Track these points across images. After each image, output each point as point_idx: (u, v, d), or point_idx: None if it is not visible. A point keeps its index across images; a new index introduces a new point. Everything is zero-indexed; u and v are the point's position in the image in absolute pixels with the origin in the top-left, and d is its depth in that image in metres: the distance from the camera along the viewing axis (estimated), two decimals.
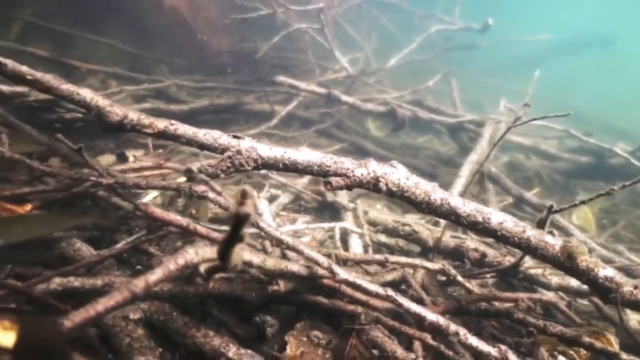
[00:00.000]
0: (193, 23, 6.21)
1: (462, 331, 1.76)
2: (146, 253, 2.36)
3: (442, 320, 1.79)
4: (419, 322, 1.85)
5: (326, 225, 3.23)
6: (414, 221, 3.16)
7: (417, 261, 2.53)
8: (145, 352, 1.76)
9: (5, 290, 1.81)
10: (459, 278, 2.50)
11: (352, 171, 2.01)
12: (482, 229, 1.98)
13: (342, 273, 1.88)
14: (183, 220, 1.93)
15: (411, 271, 2.61)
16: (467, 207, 1.98)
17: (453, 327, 1.78)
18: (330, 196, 3.96)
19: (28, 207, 2.49)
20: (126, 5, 6.94)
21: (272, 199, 3.67)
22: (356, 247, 2.93)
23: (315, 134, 6.07)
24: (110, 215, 2.48)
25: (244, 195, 1.05)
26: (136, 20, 6.93)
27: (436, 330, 1.80)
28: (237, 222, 1.07)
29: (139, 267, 2.30)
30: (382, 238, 2.96)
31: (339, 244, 3.05)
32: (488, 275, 2.72)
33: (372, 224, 3.22)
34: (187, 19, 6.18)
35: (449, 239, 2.85)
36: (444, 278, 2.85)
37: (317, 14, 6.37)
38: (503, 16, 6.34)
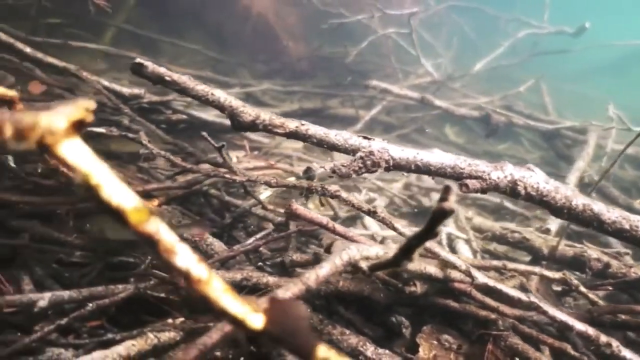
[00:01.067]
0: (278, 29, 6.35)
1: (615, 343, 1.69)
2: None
3: (591, 331, 1.73)
4: (563, 331, 1.79)
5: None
6: (522, 228, 3.07)
7: (537, 269, 2.45)
8: None
9: (156, 280, 1.91)
10: (582, 288, 2.40)
11: (488, 174, 1.98)
12: (628, 237, 1.89)
13: (480, 277, 1.85)
14: (323, 219, 1.97)
15: (524, 279, 2.54)
16: (611, 213, 1.91)
17: (604, 338, 1.71)
18: (425, 201, 3.92)
19: (155, 202, 2.61)
20: (207, 12, 7.20)
21: (369, 202, 3.68)
22: (465, 254, 2.88)
23: (398, 139, 6.05)
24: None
25: (446, 191, 1.05)
26: (216, 27, 7.18)
27: (585, 341, 1.74)
28: (437, 218, 1.08)
29: (260, 263, 2.35)
30: (494, 245, 2.89)
31: (446, 249, 3.01)
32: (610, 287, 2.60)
33: (478, 230, 3.15)
34: (273, 26, 6.32)
35: (566, 247, 2.75)
36: (559, 288, 2.75)
37: (398, 20, 6.35)
38: (591, 19, 6.08)
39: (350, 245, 1.47)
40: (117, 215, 0.84)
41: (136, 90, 3.38)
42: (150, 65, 2.30)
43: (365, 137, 2.13)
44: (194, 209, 2.86)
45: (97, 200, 0.84)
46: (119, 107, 2.85)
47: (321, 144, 2.18)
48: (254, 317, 0.88)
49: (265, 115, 2.23)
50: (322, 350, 0.87)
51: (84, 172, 0.83)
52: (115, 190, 0.84)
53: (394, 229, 1.93)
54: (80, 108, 0.82)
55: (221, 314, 0.89)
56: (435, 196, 4.07)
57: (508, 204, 3.94)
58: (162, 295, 1.90)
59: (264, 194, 2.88)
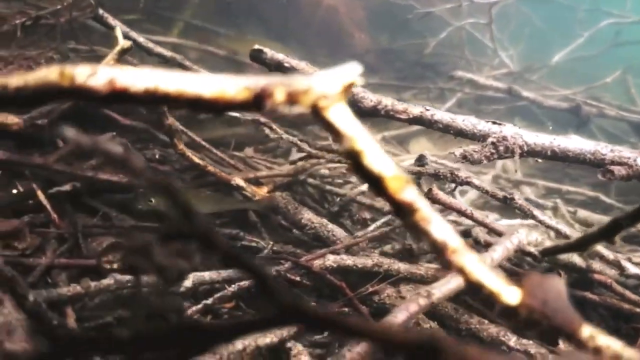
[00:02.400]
0: (347, 22, 6.32)
1: None
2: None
3: None
4: None
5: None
6: None
7: None
8: None
9: (290, 263, 1.91)
10: None
11: (634, 160, 1.88)
12: None
13: (631, 268, 1.76)
14: (462, 205, 1.92)
15: None
16: None
17: None
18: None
19: (265, 189, 2.62)
20: (271, 5, 7.25)
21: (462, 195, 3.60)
22: None
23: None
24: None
25: None
26: (278, 20, 7.22)
27: None
28: None
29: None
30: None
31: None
32: None
33: (584, 223, 3.03)
34: (342, 18, 6.30)
35: None
36: None
37: (468, 10, 6.21)
38: None
39: (519, 229, 1.42)
40: (375, 182, 0.82)
41: None
42: (268, 51, 2.30)
43: (494, 123, 2.07)
44: (297, 198, 2.87)
45: (358, 166, 0.82)
46: None
47: (447, 129, 2.13)
48: (510, 291, 0.85)
49: (387, 101, 2.20)
50: (587, 329, 0.83)
51: (350, 137, 0.81)
52: (377, 157, 0.81)
53: (534, 216, 1.85)
54: (352, 72, 0.80)
55: (476, 286, 0.85)
56: (526, 189, 3.95)
57: (604, 197, 3.77)
58: (297, 278, 1.90)
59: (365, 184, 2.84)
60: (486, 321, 1.84)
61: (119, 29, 1.87)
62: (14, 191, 2.37)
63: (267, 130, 2.20)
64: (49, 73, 0.87)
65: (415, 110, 2.16)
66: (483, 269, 0.85)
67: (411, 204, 0.83)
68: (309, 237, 2.27)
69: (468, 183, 1.98)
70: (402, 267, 1.94)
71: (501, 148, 1.99)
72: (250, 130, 3.65)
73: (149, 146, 2.81)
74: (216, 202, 2.28)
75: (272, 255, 2.00)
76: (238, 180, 2.20)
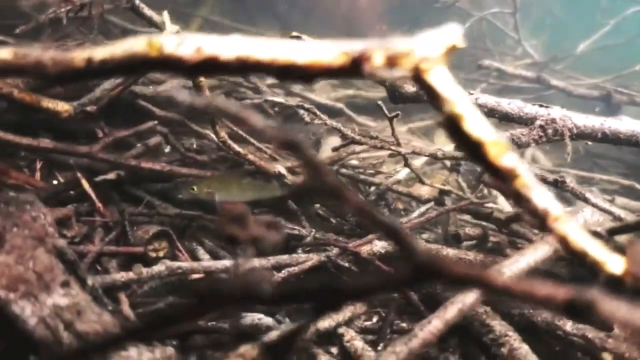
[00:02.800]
0: (369, 14, 6.29)
1: None
2: None
3: None
4: None
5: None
6: None
7: None
8: None
9: (338, 249, 1.89)
10: None
11: None
12: None
13: None
14: None
15: None
16: None
17: None
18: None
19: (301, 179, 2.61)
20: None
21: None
22: None
23: (493, 124, 5.85)
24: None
25: None
26: (295, 14, 7.21)
27: None
28: None
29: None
30: None
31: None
32: None
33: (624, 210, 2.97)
34: (363, 10, 6.27)
35: None
36: None
37: (488, 2, 6.14)
38: None
39: (584, 208, 1.38)
40: (474, 148, 0.80)
41: None
42: (306, 38, 2.29)
43: (541, 105, 2.03)
44: None
45: (456, 130, 0.79)
46: (258, 87, 2.88)
47: (492, 113, 2.10)
48: (614, 260, 0.82)
49: None
50: None
51: (451, 100, 0.79)
52: (477, 122, 0.79)
53: (586, 199, 1.82)
54: (454, 34, 0.78)
55: (579, 255, 0.83)
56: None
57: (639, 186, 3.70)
58: (346, 264, 1.88)
59: (402, 172, 2.82)
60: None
61: (166, 14, 1.86)
62: (55, 182, 2.39)
63: (306, 117, 2.18)
64: (135, 44, 0.86)
65: None
66: (586, 238, 0.83)
67: (512, 170, 0.80)
68: (350, 224, 2.25)
69: None
70: (450, 252, 1.91)
71: (550, 131, 1.96)
72: (282, 123, 3.65)
73: (184, 137, 2.81)
74: (257, 190, 2.27)
75: (320, 241, 1.98)
76: (280, 168, 2.19)
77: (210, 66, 0.84)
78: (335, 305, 0.56)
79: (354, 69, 0.78)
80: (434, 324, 1.16)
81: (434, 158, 2.16)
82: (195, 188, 2.13)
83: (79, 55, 0.89)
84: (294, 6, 7.31)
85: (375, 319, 1.90)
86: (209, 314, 1.54)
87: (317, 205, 2.59)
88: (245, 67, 0.82)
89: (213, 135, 2.74)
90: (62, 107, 1.64)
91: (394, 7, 7.12)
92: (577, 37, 6.02)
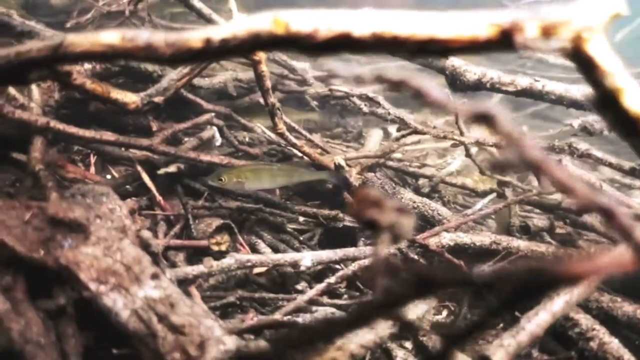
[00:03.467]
0: (396, 4, 6.21)
1: None
2: None
3: None
4: None
5: None
6: None
7: None
8: None
9: (407, 241, 1.84)
10: None
11: None
12: None
13: None
14: (592, 178, 1.82)
15: None
16: None
17: None
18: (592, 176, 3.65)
19: (353, 171, 2.56)
20: None
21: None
22: None
23: (529, 117, 5.75)
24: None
25: None
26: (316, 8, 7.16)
27: None
28: None
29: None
30: None
31: None
32: None
33: None
34: (391, 2, 6.19)
35: None
36: None
37: None
38: None
39: None
40: (633, 124, 0.74)
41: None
42: None
43: None
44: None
45: (614, 105, 0.74)
46: (305, 79, 2.84)
47: (560, 101, 2.03)
48: None
49: (493, 73, 2.11)
50: None
51: (611, 73, 0.73)
52: (637, 97, 0.74)
53: None
54: (616, 0, 0.72)
55: None
56: (604, 169, 3.79)
57: None
58: (415, 257, 1.83)
59: (454, 163, 2.77)
60: (619, 299, 1.74)
61: (233, 1, 1.82)
62: (108, 176, 2.38)
63: (363, 107, 2.13)
64: (259, 22, 0.82)
65: (523, 81, 2.06)
66: None
67: None
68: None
69: (589, 155, 1.88)
70: (522, 244, 1.85)
71: None
72: (322, 116, 3.61)
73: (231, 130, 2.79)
74: (287, 176, 2.19)
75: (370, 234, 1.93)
76: (339, 159, 2.14)
77: (342, 43, 0.79)
78: (537, 294, 0.51)
79: (503, 41, 0.73)
80: (542, 317, 1.10)
81: (497, 148, 2.10)
82: (224, 178, 2.06)
83: (196, 35, 0.85)
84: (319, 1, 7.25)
85: (445, 313, 1.85)
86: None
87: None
88: (380, 44, 0.78)
89: (258, 129, 2.72)
90: (130, 98, 1.61)
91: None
92: (615, 26, 5.87)
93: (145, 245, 1.29)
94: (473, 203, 2.74)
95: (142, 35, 0.90)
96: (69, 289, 1.26)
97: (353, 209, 0.80)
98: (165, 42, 0.87)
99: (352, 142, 3.47)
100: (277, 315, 1.54)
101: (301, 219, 2.21)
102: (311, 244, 2.13)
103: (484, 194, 2.45)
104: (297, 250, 2.07)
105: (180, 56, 0.87)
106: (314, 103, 3.50)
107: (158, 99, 1.67)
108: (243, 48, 0.84)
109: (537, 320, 1.11)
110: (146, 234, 1.28)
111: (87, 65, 2.06)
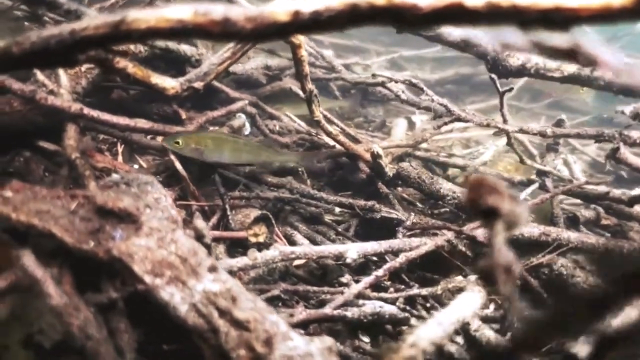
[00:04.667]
0: None
1: None
2: None
3: None
4: None
5: None
6: None
7: None
8: None
9: (453, 232, 1.78)
10: None
11: None
12: None
13: None
14: None
15: None
16: None
17: None
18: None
19: (389, 158, 2.50)
20: None
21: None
22: None
23: (546, 107, 5.68)
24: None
25: None
26: None
27: None
28: None
29: None
30: None
31: None
32: None
33: None
34: None
35: None
36: None
37: None
38: None
39: None
40: None
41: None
42: None
43: None
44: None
45: None
46: (333, 66, 2.77)
47: (609, 87, 1.96)
48: None
49: (538, 59, 2.03)
50: None
51: None
52: None
53: None
54: None
55: None
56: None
57: None
58: (463, 249, 1.77)
59: (486, 153, 2.70)
60: None
61: None
62: (135, 166, 2.32)
63: (401, 94, 2.07)
64: None
65: (570, 68, 1.99)
66: None
67: None
68: (451, 208, 2.14)
69: None
70: (572, 235, 1.79)
71: None
72: (352, 103, 3.54)
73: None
74: (253, 153, 2.05)
75: (430, 225, 1.87)
76: (377, 148, 2.08)
77: (451, 15, 0.73)
78: None
79: None
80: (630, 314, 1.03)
81: (542, 136, 2.02)
82: (180, 142, 1.96)
83: (283, 8, 0.79)
84: None
85: (492, 307, 1.79)
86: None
87: (400, 189, 2.48)
88: (495, 14, 0.71)
89: (285, 117, 2.65)
90: (169, 83, 1.55)
91: None
92: None
93: (198, 237, 1.23)
94: None
95: (218, 9, 0.83)
96: (119, 282, 1.20)
97: (468, 195, 0.74)
98: (245, 16, 0.80)
99: (376, 132, 3.40)
100: (327, 309, 1.49)
101: (337, 209, 2.14)
102: (348, 235, 2.07)
103: (520, 185, 2.38)
104: (332, 241, 2.01)
105: (263, 31, 0.80)
106: (337, 92, 3.43)
107: (198, 85, 1.60)
108: (337, 22, 0.76)
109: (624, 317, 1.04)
110: (201, 224, 1.22)
111: (132, 48, 1.98)
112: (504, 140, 3.04)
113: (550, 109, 5.67)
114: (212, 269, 1.13)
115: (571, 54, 0.53)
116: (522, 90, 5.57)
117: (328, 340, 1.09)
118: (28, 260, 1.05)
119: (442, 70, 5.03)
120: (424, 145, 3.21)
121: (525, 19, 0.70)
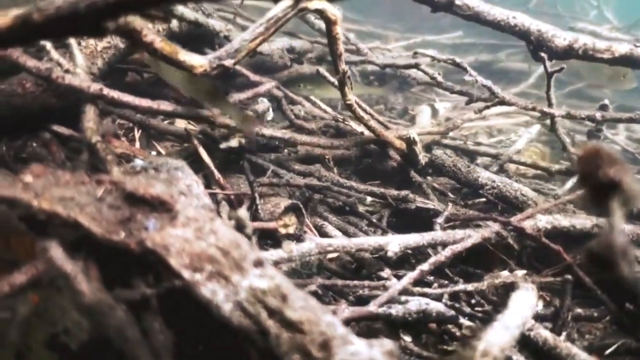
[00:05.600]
0: None
1: None
2: None
3: None
4: None
5: None
6: None
7: None
8: None
9: (500, 224, 1.66)
10: None
11: None
12: None
13: None
14: None
15: None
16: None
17: None
18: None
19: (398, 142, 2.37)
20: None
21: None
22: None
23: (566, 96, 5.53)
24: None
25: None
26: None
27: None
28: None
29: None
30: None
31: None
32: None
33: None
34: None
35: None
36: None
37: None
38: None
39: None
40: None
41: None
42: None
43: None
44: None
45: None
46: (359, 48, 2.63)
47: None
48: None
49: (586, 39, 1.90)
50: None
51: None
52: None
53: None
54: None
55: None
56: None
57: None
58: (511, 242, 1.65)
59: (519, 141, 2.57)
60: None
61: None
62: (153, 153, 2.20)
63: (437, 77, 1.94)
64: None
65: (622, 48, 1.86)
66: None
67: None
68: (489, 198, 2.02)
69: None
70: (627, 228, 1.66)
71: None
72: (387, 90, 3.42)
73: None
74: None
75: (475, 216, 1.75)
76: (413, 134, 1.95)
77: None
78: None
79: None
80: None
81: (590, 121, 1.89)
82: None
83: None
84: None
85: (541, 305, 1.67)
86: None
87: (430, 179, 2.36)
88: None
89: (306, 103, 2.52)
90: (197, 61, 1.42)
91: None
92: None
93: (239, 227, 1.11)
94: (539, 184, 2.56)
95: None
96: (152, 277, 1.09)
97: (584, 167, 0.62)
98: None
99: (399, 119, 3.27)
100: (372, 307, 1.37)
101: (368, 199, 2.02)
102: (383, 226, 1.95)
103: (559, 174, 2.26)
104: (365, 233, 1.89)
105: None
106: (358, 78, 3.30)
107: (228, 63, 1.47)
108: None
109: None
110: (243, 214, 1.10)
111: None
112: (535, 127, 2.94)
113: (570, 98, 5.52)
114: (258, 263, 1.01)
115: None
116: (541, 79, 5.44)
117: (388, 344, 0.97)
118: (56, 252, 0.93)
119: (462, 57, 4.87)
120: (450, 133, 3.09)
121: None
